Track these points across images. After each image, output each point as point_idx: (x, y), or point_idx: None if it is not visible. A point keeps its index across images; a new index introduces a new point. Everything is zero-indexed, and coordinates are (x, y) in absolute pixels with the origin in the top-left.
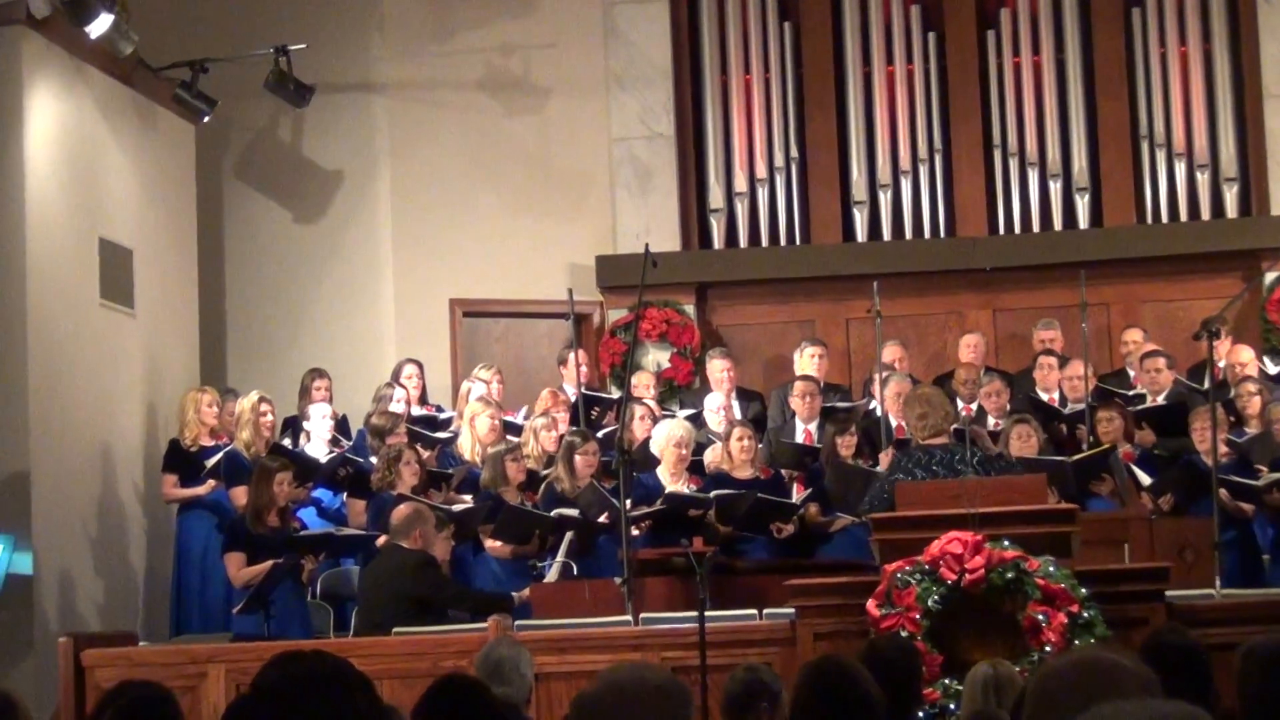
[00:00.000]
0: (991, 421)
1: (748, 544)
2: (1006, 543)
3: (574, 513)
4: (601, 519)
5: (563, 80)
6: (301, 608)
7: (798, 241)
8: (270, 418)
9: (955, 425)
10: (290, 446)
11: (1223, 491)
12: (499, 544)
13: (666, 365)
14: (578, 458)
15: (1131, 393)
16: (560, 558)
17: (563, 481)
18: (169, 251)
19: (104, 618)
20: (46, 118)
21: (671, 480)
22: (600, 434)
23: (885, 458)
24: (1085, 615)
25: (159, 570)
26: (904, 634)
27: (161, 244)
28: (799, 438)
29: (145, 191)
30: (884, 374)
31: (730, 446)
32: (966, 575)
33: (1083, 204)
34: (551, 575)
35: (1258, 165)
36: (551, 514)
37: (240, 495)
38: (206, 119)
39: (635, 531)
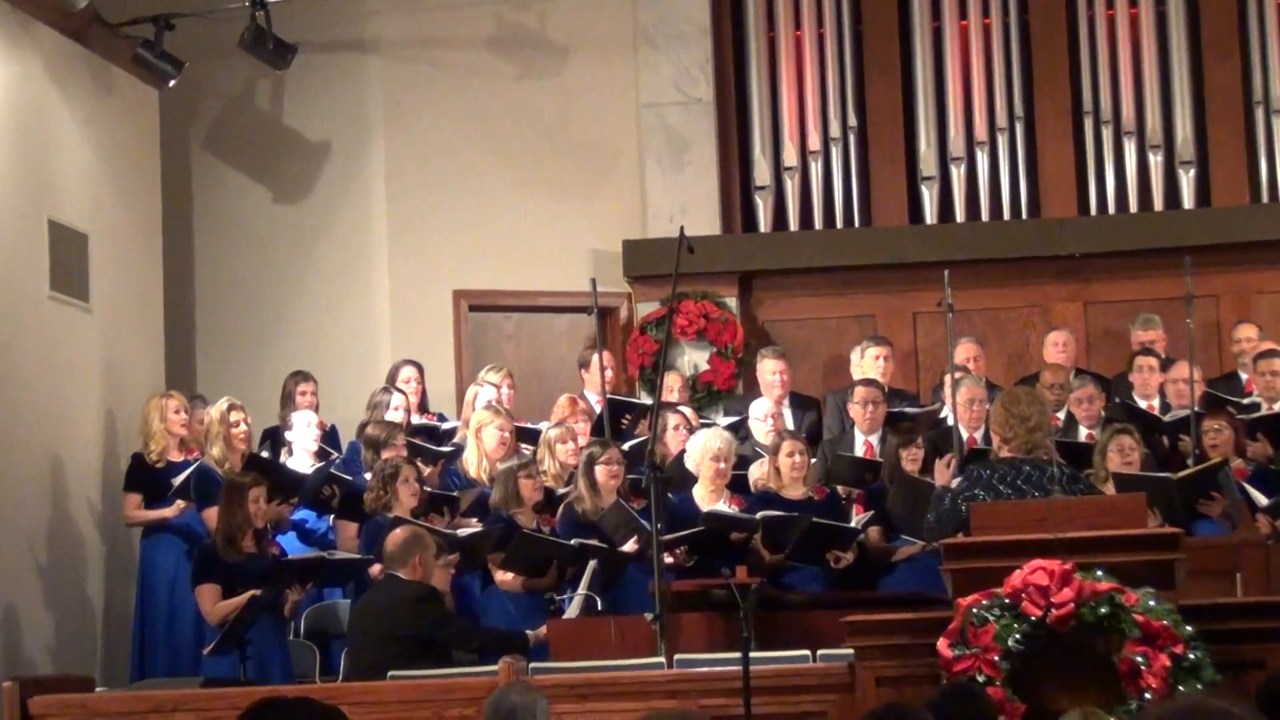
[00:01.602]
0: (1084, 432)
1: (799, 574)
2: (1100, 573)
3: (596, 542)
4: (629, 545)
5: (585, 38)
6: (283, 647)
7: (856, 224)
8: (243, 428)
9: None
10: (271, 460)
11: None
12: (510, 576)
13: (705, 367)
14: (599, 470)
15: (1245, 400)
16: (582, 590)
17: (584, 501)
18: (129, 236)
19: (56, 659)
20: None
21: (709, 500)
22: (627, 446)
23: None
24: (1191, 657)
25: (119, 604)
26: (981, 678)
27: (120, 227)
28: (859, 451)
29: (102, 167)
30: (956, 376)
31: (779, 462)
32: (1053, 610)
33: (1187, 180)
34: (572, 610)
35: None
36: (572, 541)
37: (214, 518)
38: (172, 83)
39: (669, 559)
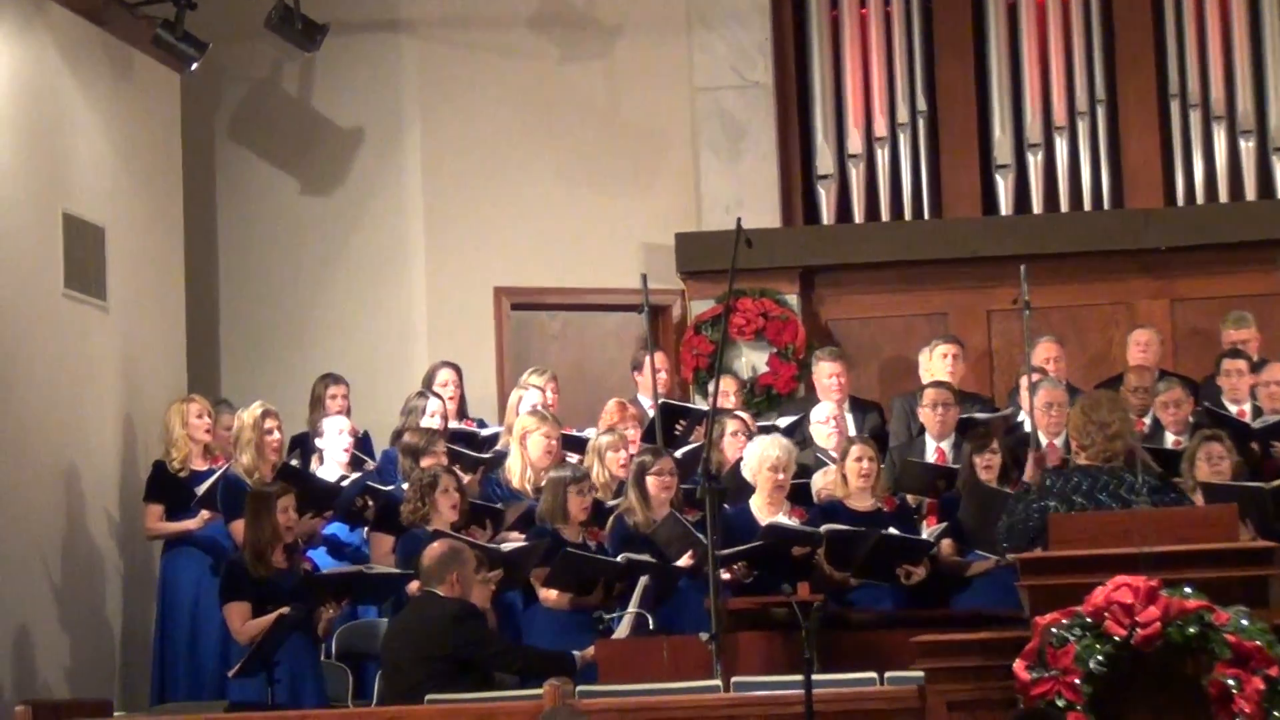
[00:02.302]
0: (1170, 439)
1: (865, 591)
2: (1188, 590)
3: (647, 558)
4: (684, 560)
5: (635, 16)
6: (314, 668)
7: (926, 216)
8: (277, 435)
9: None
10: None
11: None
12: (555, 593)
13: (763, 369)
14: (650, 480)
15: None
16: (633, 608)
17: (635, 513)
18: (149, 229)
19: (71, 682)
20: None
21: (768, 511)
22: (681, 453)
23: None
24: None
25: (139, 623)
26: (1060, 703)
27: (139, 220)
28: (929, 458)
29: (119, 156)
30: (1034, 379)
31: (847, 467)
32: (1138, 630)
33: None
34: (622, 629)
35: None
36: (619, 558)
37: (242, 530)
38: (195, 66)
39: (726, 575)
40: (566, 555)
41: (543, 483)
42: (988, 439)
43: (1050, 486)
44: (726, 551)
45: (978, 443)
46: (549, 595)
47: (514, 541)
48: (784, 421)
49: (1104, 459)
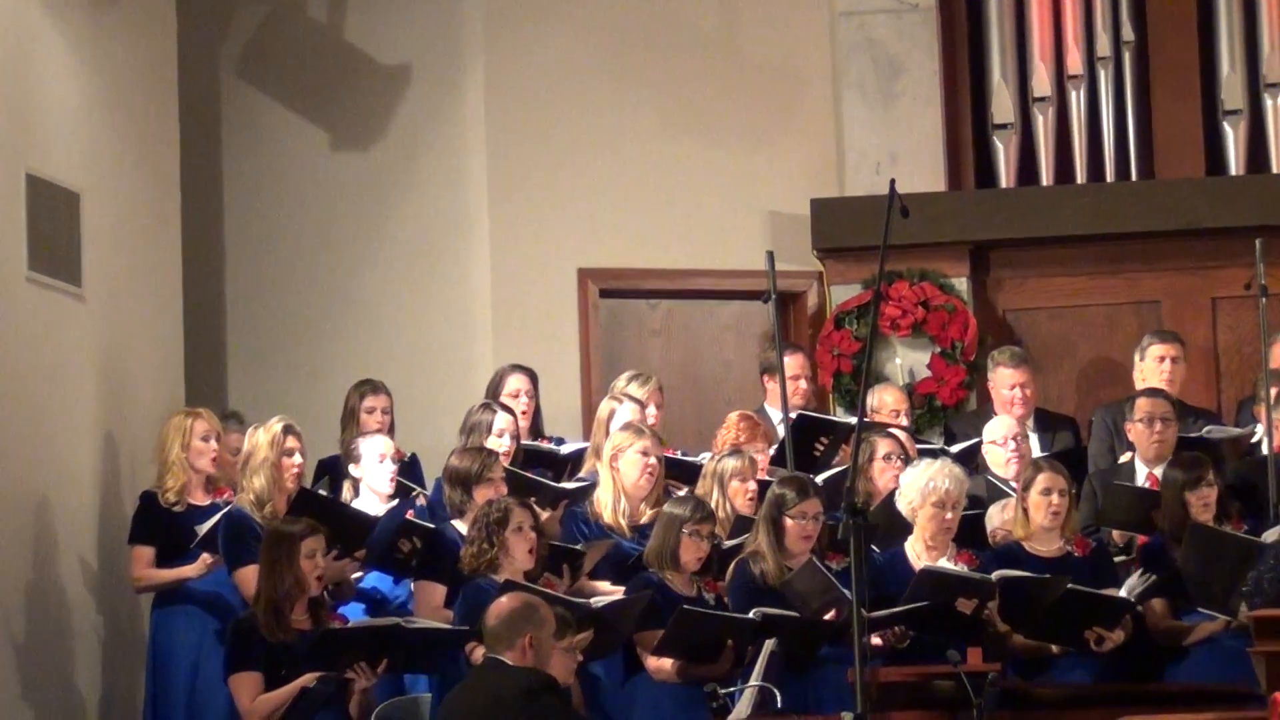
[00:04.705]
0: None
1: (1054, 659)
2: None
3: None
4: (827, 619)
5: None
6: None
7: (1134, 176)
8: (300, 459)
9: None
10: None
11: None
12: (668, 662)
13: (924, 373)
14: (789, 522)
15: None
16: (755, 680)
17: (764, 559)
18: (136, 196)
19: None
20: None
21: (928, 556)
22: (820, 479)
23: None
24: None
25: (122, 697)
26: None
27: (125, 184)
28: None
29: (100, 103)
30: (1274, 387)
31: (1030, 501)
32: None
33: None
34: (742, 708)
35: None
36: (752, 614)
37: (250, 580)
38: None
39: (877, 641)
40: (685, 613)
41: (642, 518)
42: (1202, 468)
43: None
44: (882, 613)
45: (1188, 471)
46: (661, 665)
47: (607, 594)
48: (957, 446)
49: None
